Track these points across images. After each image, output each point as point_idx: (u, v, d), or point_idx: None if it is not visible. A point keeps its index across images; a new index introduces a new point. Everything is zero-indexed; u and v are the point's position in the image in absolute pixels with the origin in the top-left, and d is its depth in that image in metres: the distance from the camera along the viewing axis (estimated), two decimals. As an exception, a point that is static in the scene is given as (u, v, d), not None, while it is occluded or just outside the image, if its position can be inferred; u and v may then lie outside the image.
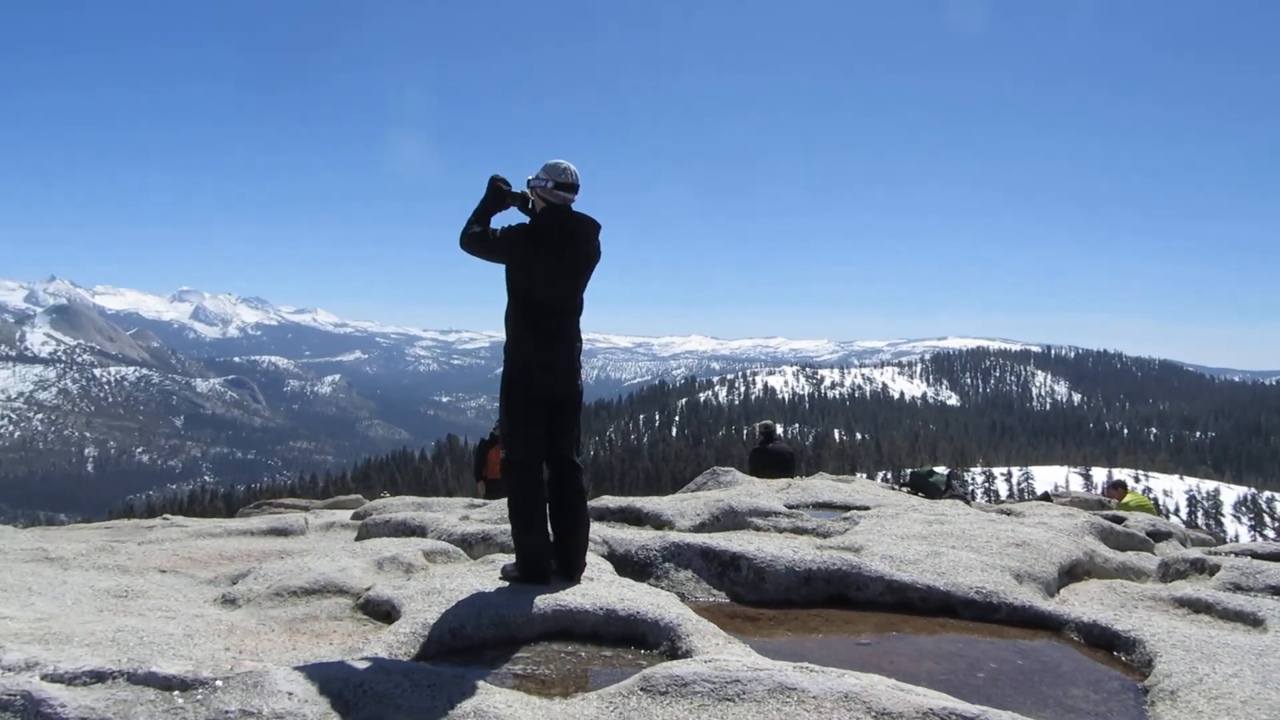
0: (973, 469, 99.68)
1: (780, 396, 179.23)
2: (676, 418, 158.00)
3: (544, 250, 4.21)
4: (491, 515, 6.81)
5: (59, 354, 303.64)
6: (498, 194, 4.38)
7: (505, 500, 4.81)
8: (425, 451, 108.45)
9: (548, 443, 4.35)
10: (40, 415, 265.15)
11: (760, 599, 5.01)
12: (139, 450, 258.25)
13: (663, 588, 4.95)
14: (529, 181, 4.35)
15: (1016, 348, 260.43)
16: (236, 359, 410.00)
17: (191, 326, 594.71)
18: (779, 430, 14.38)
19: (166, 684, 2.71)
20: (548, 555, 4.30)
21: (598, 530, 5.72)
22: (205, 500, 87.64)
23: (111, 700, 2.63)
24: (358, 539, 6.76)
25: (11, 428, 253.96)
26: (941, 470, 14.97)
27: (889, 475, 68.78)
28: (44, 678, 2.72)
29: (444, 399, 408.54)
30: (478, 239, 4.27)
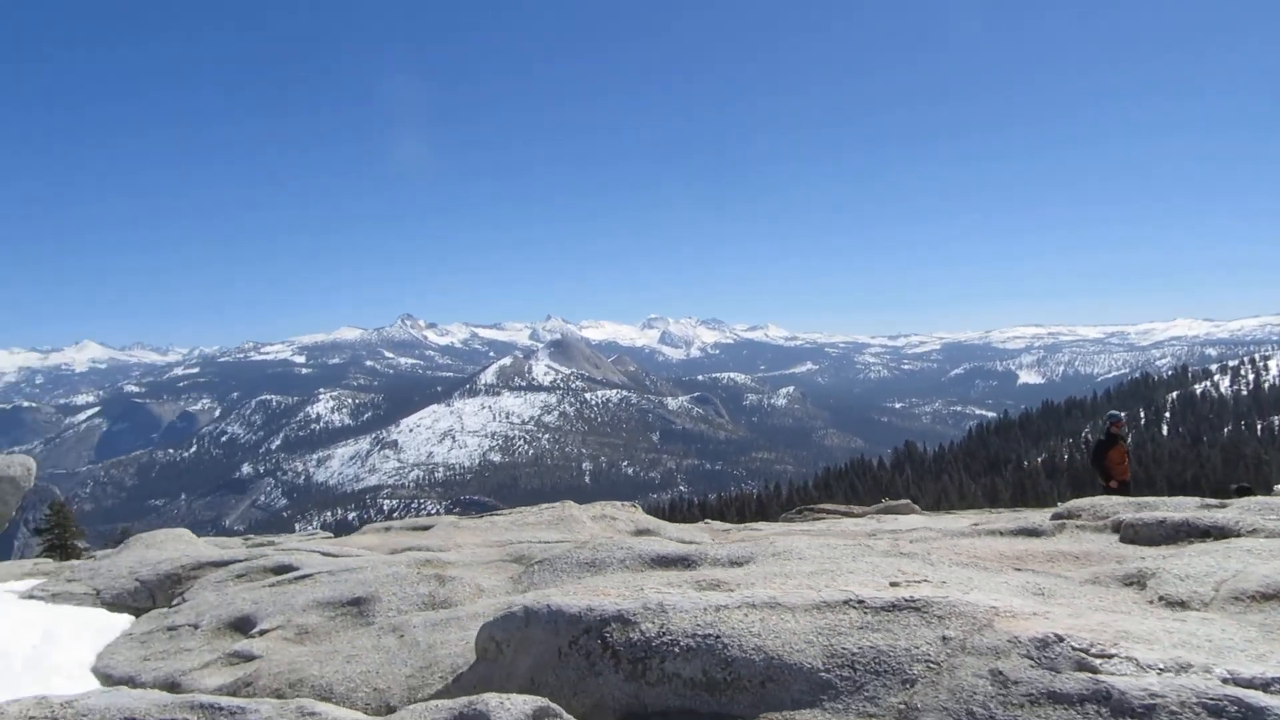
0: None
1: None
2: (1166, 414, 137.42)
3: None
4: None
5: (557, 382, 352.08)
6: None
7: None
8: (883, 459, 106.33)
9: None
10: (547, 435, 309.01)
11: None
12: (624, 464, 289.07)
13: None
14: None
15: None
16: (700, 377, 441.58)
17: (660, 350, 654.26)
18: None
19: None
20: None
21: None
22: (684, 508, 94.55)
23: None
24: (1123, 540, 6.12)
25: (526, 446, 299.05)
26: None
27: None
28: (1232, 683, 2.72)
29: (896, 405, 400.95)
30: None
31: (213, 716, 3.93)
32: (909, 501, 12.62)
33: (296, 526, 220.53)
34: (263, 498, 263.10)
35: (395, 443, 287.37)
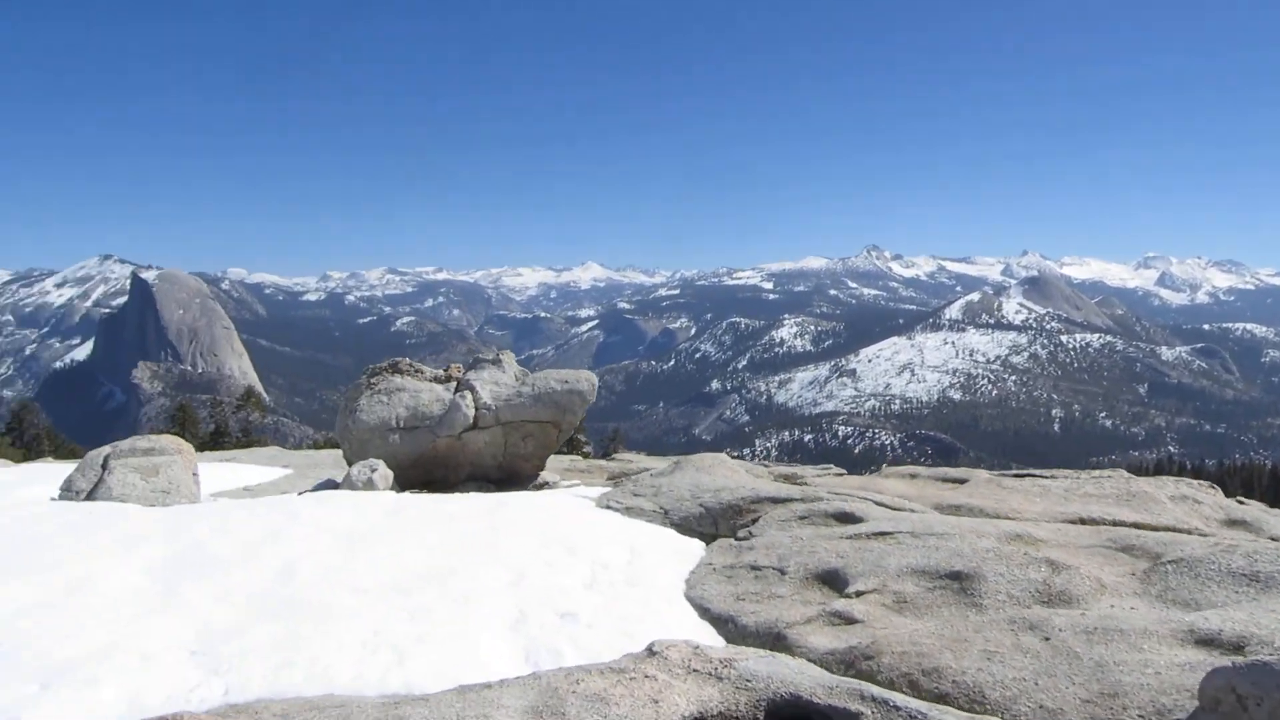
0: None
1: None
2: None
3: None
4: None
5: (1029, 321, 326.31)
6: None
7: None
8: None
9: None
10: (1013, 377, 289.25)
11: None
12: (1102, 415, 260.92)
13: None
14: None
15: None
16: (1205, 326, 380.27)
17: (1156, 293, 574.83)
18: None
19: None
20: None
21: None
22: (1173, 470, 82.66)
23: None
24: None
25: (990, 386, 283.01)
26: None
27: None
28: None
29: None
30: None
31: (888, 716, 3.48)
32: None
33: (756, 442, 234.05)
34: (728, 412, 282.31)
35: (853, 371, 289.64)
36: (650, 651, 4.18)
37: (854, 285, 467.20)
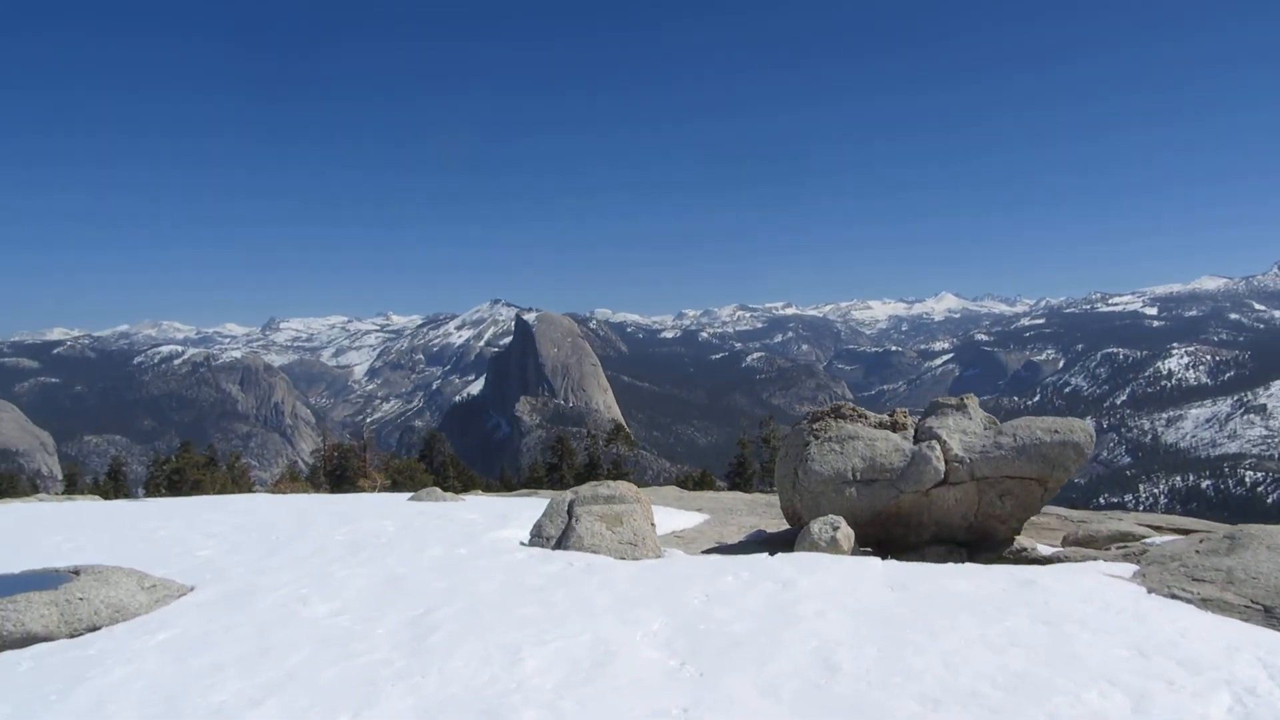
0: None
1: None
2: None
3: None
4: None
5: None
6: None
7: None
8: None
9: None
10: None
11: None
12: None
13: None
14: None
15: None
16: None
17: None
18: None
19: None
20: None
21: None
22: None
23: None
24: None
25: None
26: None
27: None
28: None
29: None
30: None
31: None
32: None
33: (1140, 488, 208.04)
34: (1105, 453, 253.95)
35: (1263, 407, 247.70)
36: None
37: (1261, 307, 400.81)
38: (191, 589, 7.99)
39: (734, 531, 13.25)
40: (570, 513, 9.55)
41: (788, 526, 13.50)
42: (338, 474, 36.30)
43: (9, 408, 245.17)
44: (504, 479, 52.16)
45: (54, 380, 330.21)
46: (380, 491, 25.26)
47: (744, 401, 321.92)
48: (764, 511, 15.48)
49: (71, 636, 6.76)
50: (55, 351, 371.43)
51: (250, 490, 34.94)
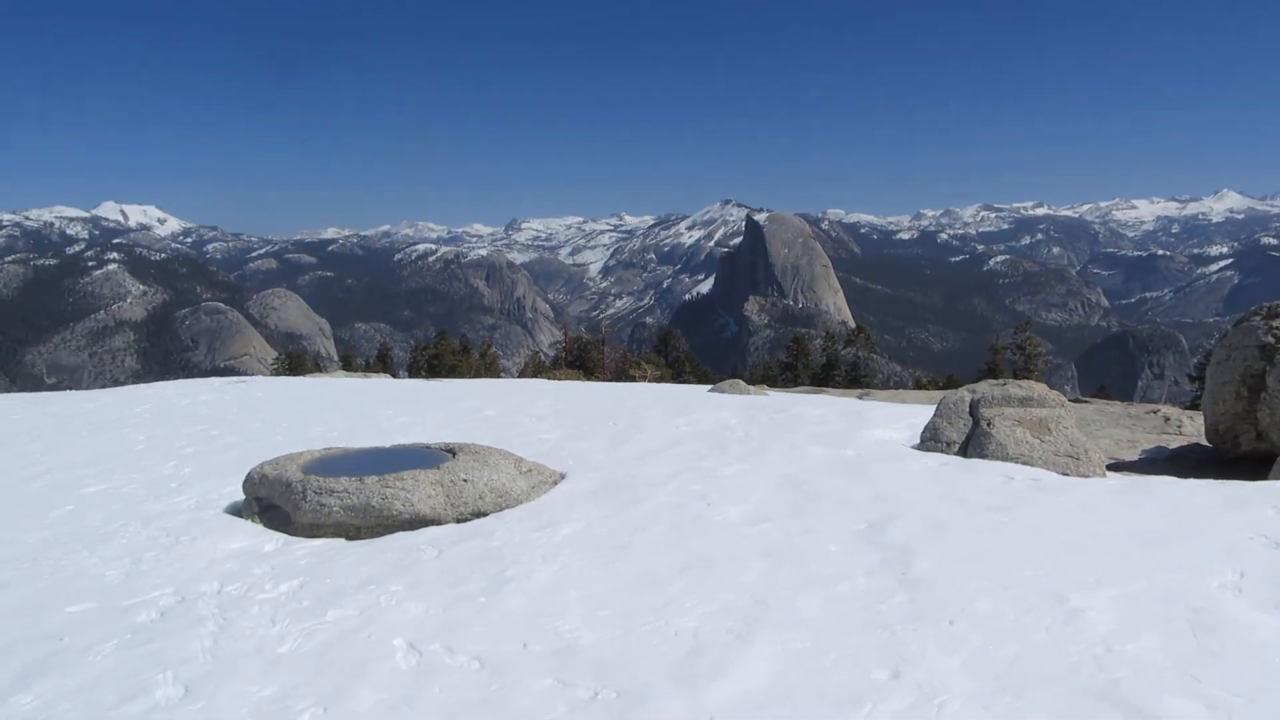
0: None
1: None
2: None
3: None
4: None
5: None
6: None
7: None
8: None
9: None
10: None
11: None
12: None
13: None
14: None
15: None
16: None
17: None
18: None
19: None
20: None
21: None
22: None
23: None
24: None
25: None
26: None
27: None
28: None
29: None
30: None
31: None
32: None
33: None
34: None
35: None
36: None
37: None
38: (563, 476, 7.11)
39: (1111, 445, 11.10)
40: (974, 414, 7.87)
41: (1183, 444, 11.19)
42: (577, 365, 36.48)
43: (294, 297, 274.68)
44: (740, 376, 51.13)
45: (329, 274, 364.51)
46: (652, 382, 24.68)
47: (984, 306, 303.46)
48: (1102, 421, 13.02)
49: (458, 521, 6.01)
50: (330, 249, 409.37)
51: (498, 376, 35.72)
